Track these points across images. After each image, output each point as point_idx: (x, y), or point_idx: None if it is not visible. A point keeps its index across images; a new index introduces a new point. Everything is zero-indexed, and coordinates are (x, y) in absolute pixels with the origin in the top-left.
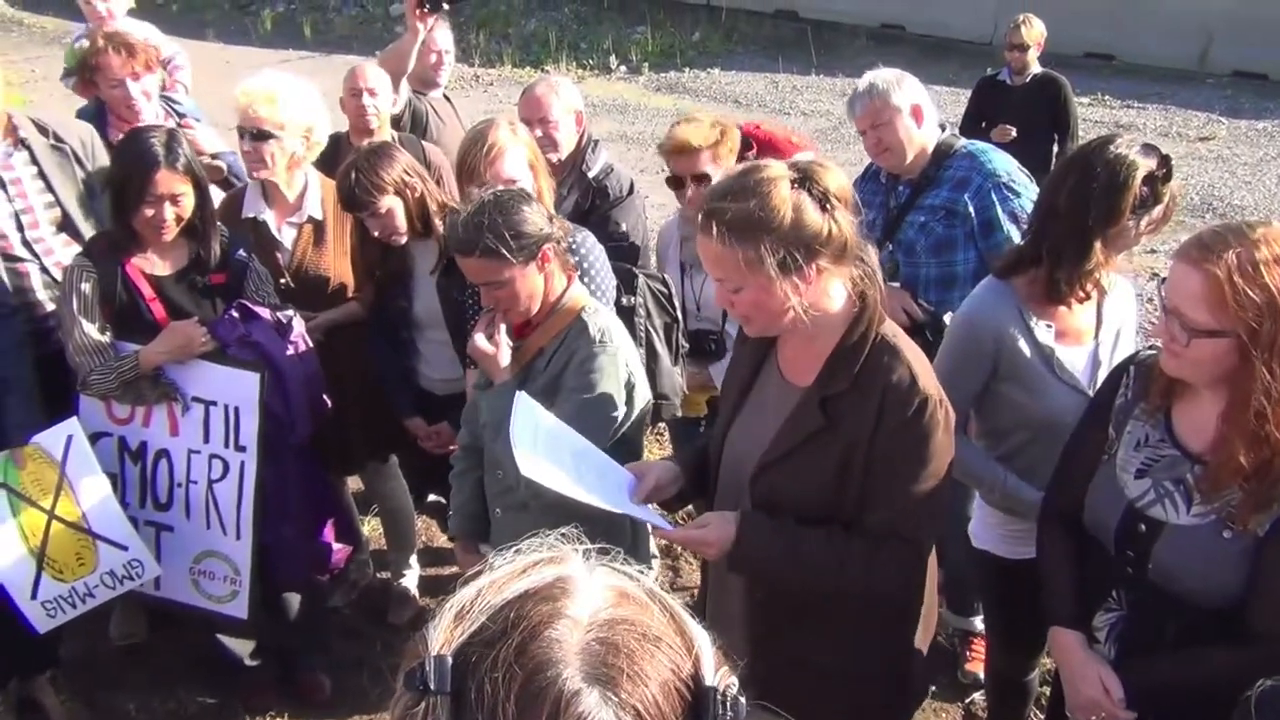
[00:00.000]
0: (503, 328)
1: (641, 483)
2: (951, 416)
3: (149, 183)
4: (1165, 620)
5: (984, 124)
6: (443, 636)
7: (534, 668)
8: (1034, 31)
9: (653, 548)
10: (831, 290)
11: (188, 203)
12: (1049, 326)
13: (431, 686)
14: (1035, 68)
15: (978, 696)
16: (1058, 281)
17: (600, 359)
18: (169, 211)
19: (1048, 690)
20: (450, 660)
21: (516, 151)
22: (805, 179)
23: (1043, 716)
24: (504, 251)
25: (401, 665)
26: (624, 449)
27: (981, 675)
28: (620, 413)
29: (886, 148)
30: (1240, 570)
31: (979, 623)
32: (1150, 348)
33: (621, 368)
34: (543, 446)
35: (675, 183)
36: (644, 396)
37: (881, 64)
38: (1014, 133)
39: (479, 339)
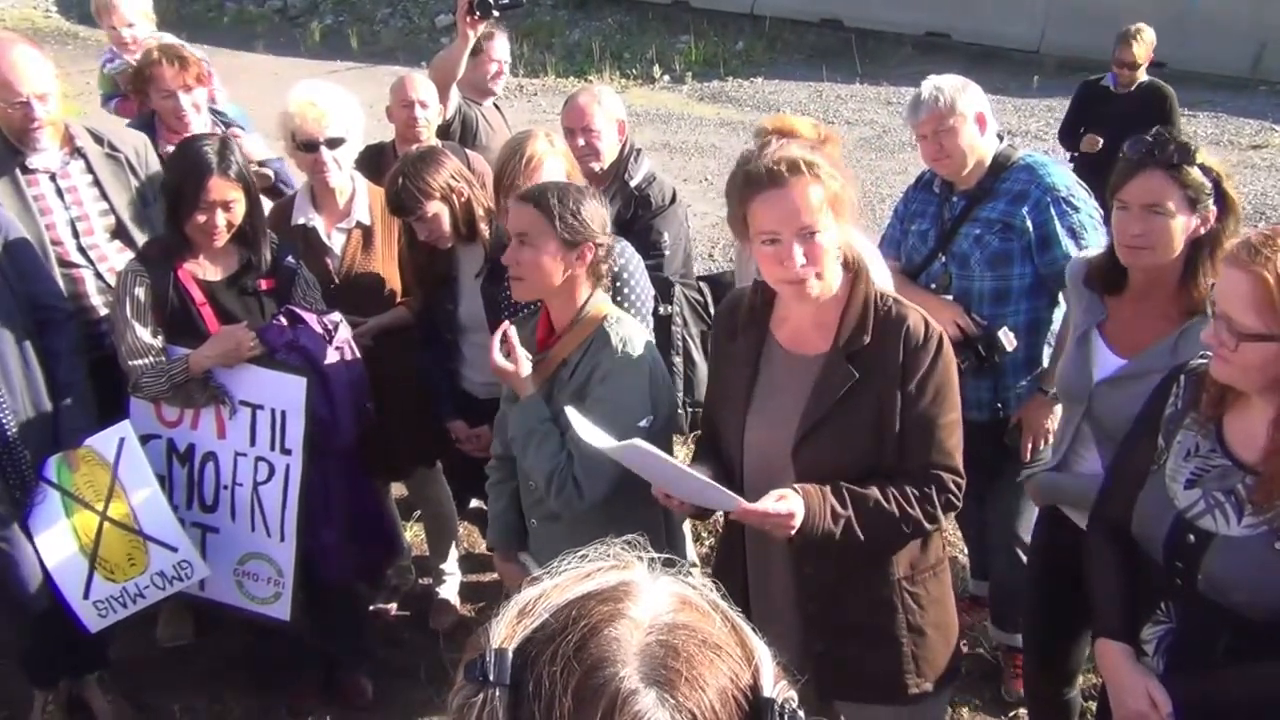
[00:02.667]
0: (515, 340)
1: None
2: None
3: (202, 190)
4: (1215, 633)
5: (1083, 130)
6: (505, 631)
7: (592, 664)
8: (1143, 47)
9: (693, 556)
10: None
11: (239, 209)
12: (1103, 311)
13: (491, 678)
14: (1143, 76)
15: (1022, 711)
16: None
17: (624, 369)
18: (221, 218)
19: (1093, 705)
20: (510, 654)
21: (554, 163)
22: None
23: None
24: (557, 214)
25: (463, 658)
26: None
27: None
28: (646, 421)
29: (947, 154)
30: None
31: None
32: (1201, 357)
33: (645, 376)
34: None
35: None
36: (670, 404)
37: (930, 72)
38: (1101, 143)
39: (497, 358)
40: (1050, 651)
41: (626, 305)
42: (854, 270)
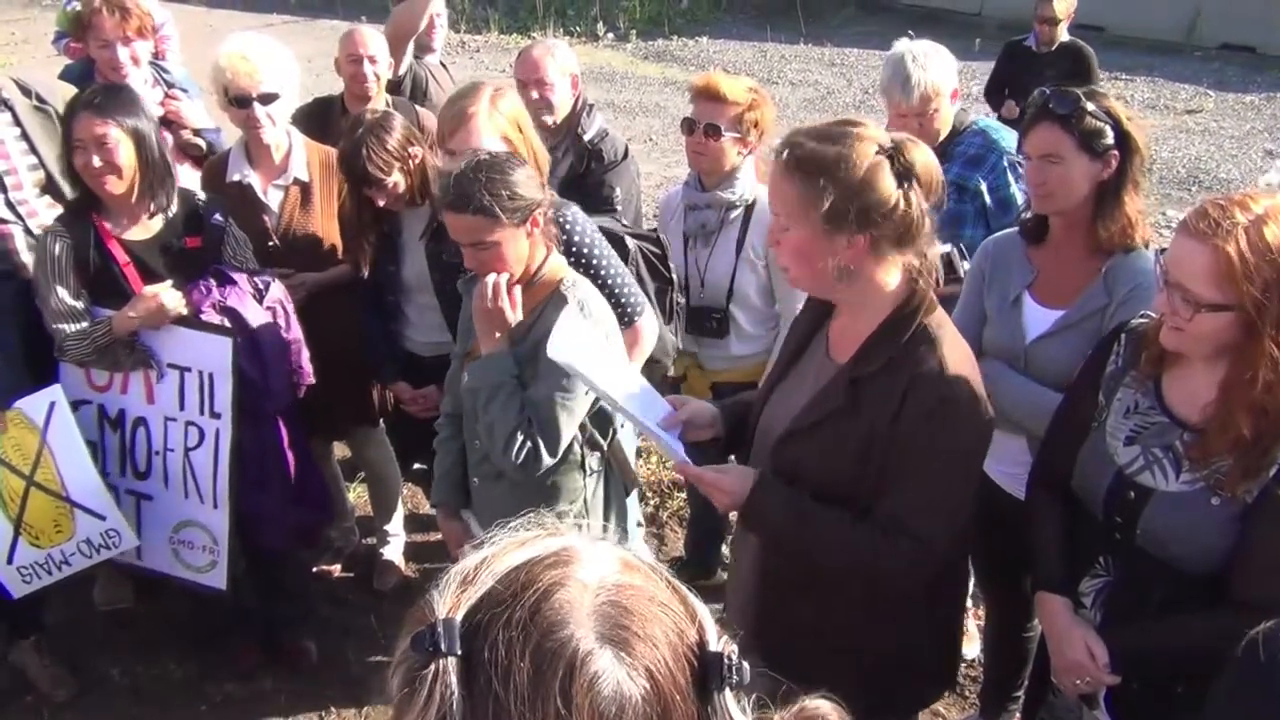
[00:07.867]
0: (517, 289)
1: (677, 412)
2: (986, 417)
3: (71, 130)
4: (1151, 586)
5: (1006, 90)
6: (450, 601)
7: (547, 627)
8: (1064, 4)
9: (639, 516)
10: (888, 275)
11: (122, 152)
12: (1032, 271)
13: (442, 648)
14: (1064, 36)
15: None
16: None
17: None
18: (96, 158)
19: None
20: (459, 623)
21: (488, 122)
22: (895, 150)
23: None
24: (498, 211)
25: (403, 632)
26: (606, 419)
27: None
28: None
29: (924, 135)
30: (1226, 537)
31: None
32: (1142, 315)
33: (602, 339)
34: (583, 351)
35: (688, 125)
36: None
37: (873, 34)
38: (1019, 111)
39: (502, 301)
40: (1003, 589)
41: (591, 273)
42: (911, 289)
